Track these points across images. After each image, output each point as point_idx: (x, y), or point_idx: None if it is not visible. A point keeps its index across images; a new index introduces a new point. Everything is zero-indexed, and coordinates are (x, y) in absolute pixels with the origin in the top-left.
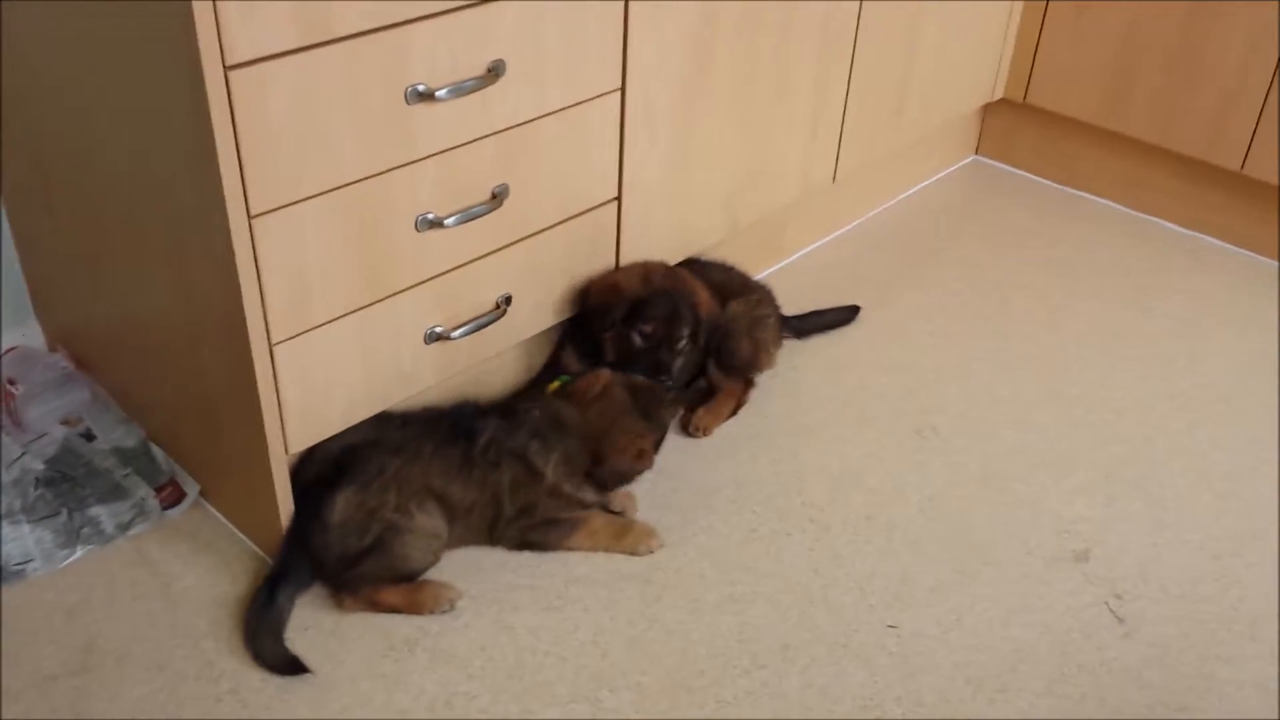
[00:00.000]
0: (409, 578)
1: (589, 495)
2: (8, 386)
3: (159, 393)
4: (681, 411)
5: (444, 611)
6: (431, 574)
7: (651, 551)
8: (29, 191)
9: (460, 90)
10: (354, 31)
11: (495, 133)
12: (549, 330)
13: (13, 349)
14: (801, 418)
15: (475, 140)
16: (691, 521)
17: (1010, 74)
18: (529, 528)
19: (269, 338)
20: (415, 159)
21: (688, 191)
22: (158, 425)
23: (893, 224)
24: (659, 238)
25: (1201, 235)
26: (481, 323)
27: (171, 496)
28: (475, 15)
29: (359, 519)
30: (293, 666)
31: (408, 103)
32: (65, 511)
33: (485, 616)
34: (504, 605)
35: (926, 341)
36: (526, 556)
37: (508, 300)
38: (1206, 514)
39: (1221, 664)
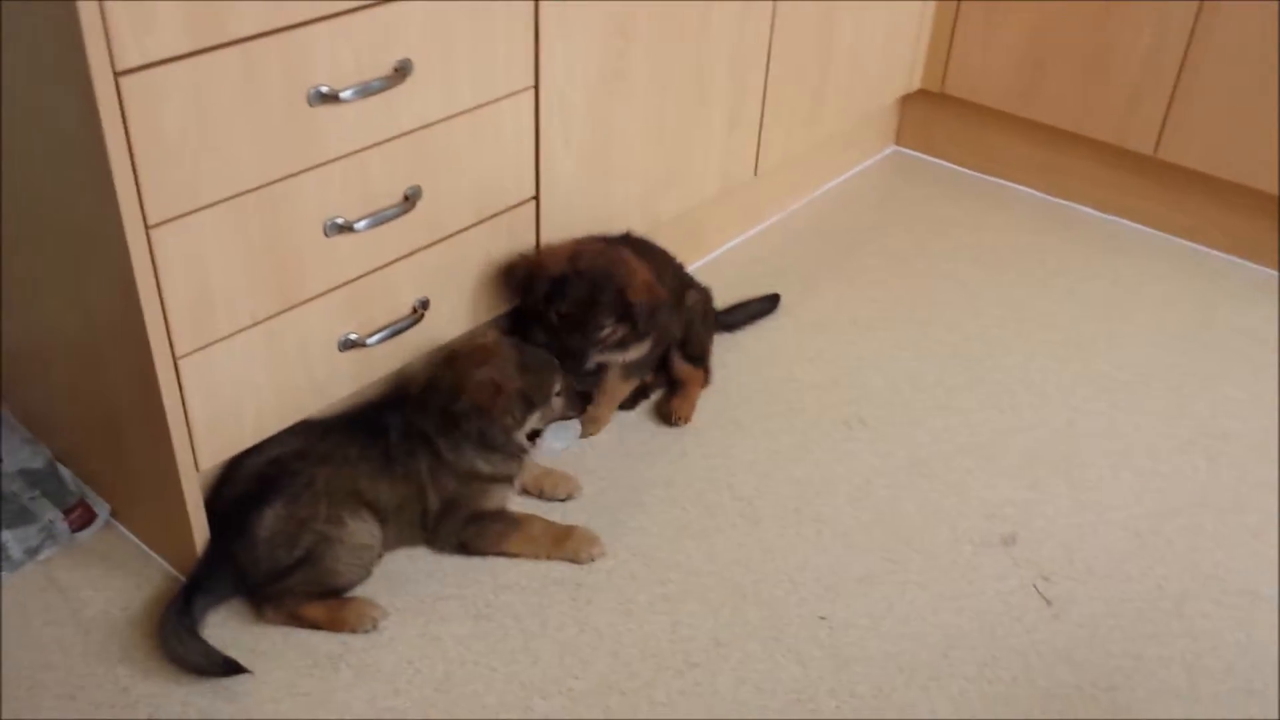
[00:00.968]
0: (336, 593)
1: (508, 468)
2: None
3: (65, 412)
4: (557, 380)
5: (367, 630)
6: (359, 587)
7: (593, 559)
8: None
9: (366, 91)
10: (250, 34)
11: (405, 133)
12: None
13: None
14: (730, 412)
15: (384, 141)
16: (621, 522)
17: (927, 64)
18: (462, 525)
19: (173, 351)
20: (321, 162)
21: (606, 189)
22: (65, 445)
23: (815, 217)
24: (579, 236)
25: (1118, 219)
26: (398, 328)
27: (81, 519)
28: (378, 15)
29: (289, 531)
30: (226, 666)
31: (310, 105)
32: None
33: (412, 628)
34: (431, 616)
35: (850, 332)
36: (454, 566)
37: (425, 304)
38: (1129, 494)
39: (1148, 642)
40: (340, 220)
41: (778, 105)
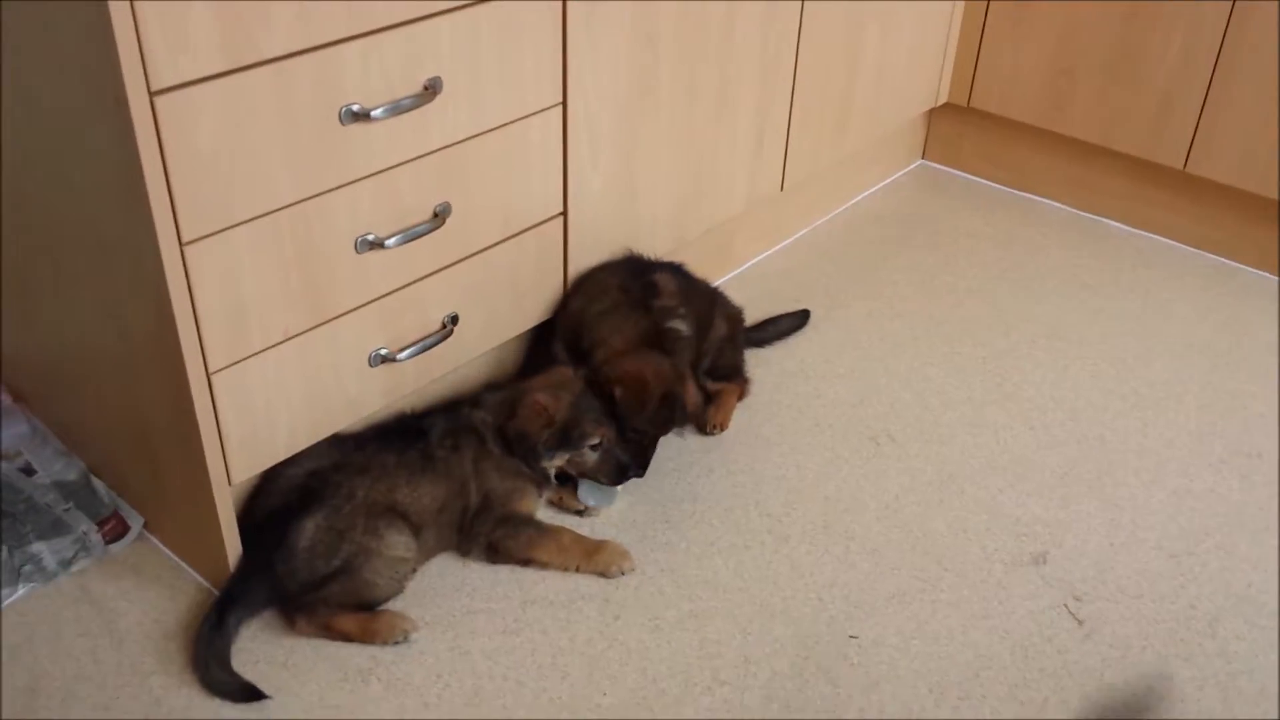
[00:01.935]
0: (369, 606)
1: (540, 468)
2: None
3: (99, 425)
4: (599, 435)
5: (398, 642)
6: (391, 602)
7: (623, 573)
8: None
9: (397, 109)
10: (283, 53)
11: (435, 150)
12: (498, 348)
13: None
14: (757, 429)
15: (414, 159)
16: (649, 538)
17: (954, 78)
18: (494, 525)
19: (206, 366)
20: (352, 179)
21: (634, 205)
22: (99, 458)
23: (842, 231)
24: (607, 253)
25: (1147, 233)
26: (428, 343)
27: (114, 530)
28: (409, 33)
29: (328, 541)
30: (246, 693)
31: (342, 123)
32: (5, 549)
33: (441, 642)
34: (460, 630)
35: (879, 348)
36: (482, 580)
37: (454, 320)
38: (1162, 513)
39: (1180, 663)
40: (371, 237)
41: (804, 120)
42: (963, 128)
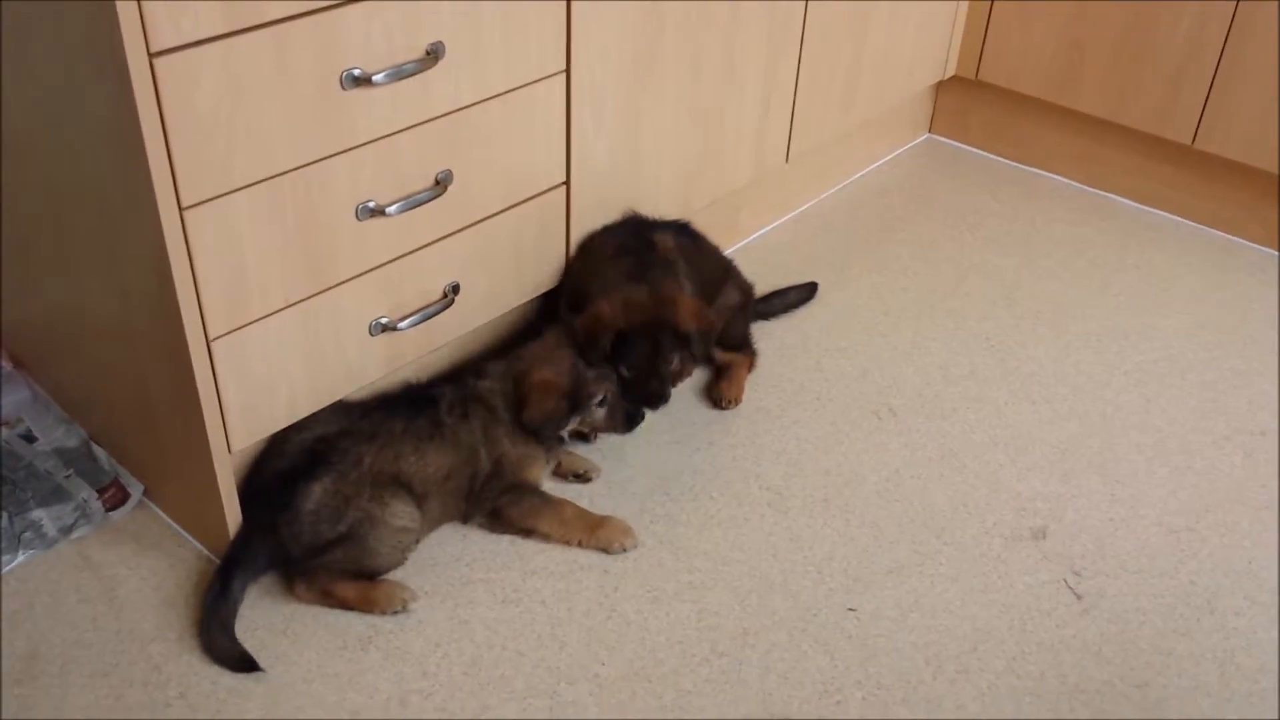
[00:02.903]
0: (371, 575)
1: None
2: None
3: (99, 392)
4: (603, 391)
5: (396, 612)
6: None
7: (625, 550)
8: None
9: (398, 74)
10: (284, 15)
11: (437, 117)
12: (499, 318)
13: None
14: (758, 401)
15: (416, 125)
16: (649, 510)
17: (962, 51)
18: (499, 492)
19: (206, 333)
20: (353, 145)
21: (638, 175)
22: (99, 425)
23: (848, 204)
24: (610, 222)
25: (1154, 210)
26: (429, 312)
27: (115, 498)
28: None
29: (334, 506)
30: (243, 663)
31: (344, 88)
32: (5, 515)
33: (440, 612)
34: (459, 600)
35: (882, 321)
36: (482, 551)
37: (455, 289)
38: (1162, 489)
39: (1179, 638)
40: (372, 204)
41: (810, 91)
42: (970, 101)
